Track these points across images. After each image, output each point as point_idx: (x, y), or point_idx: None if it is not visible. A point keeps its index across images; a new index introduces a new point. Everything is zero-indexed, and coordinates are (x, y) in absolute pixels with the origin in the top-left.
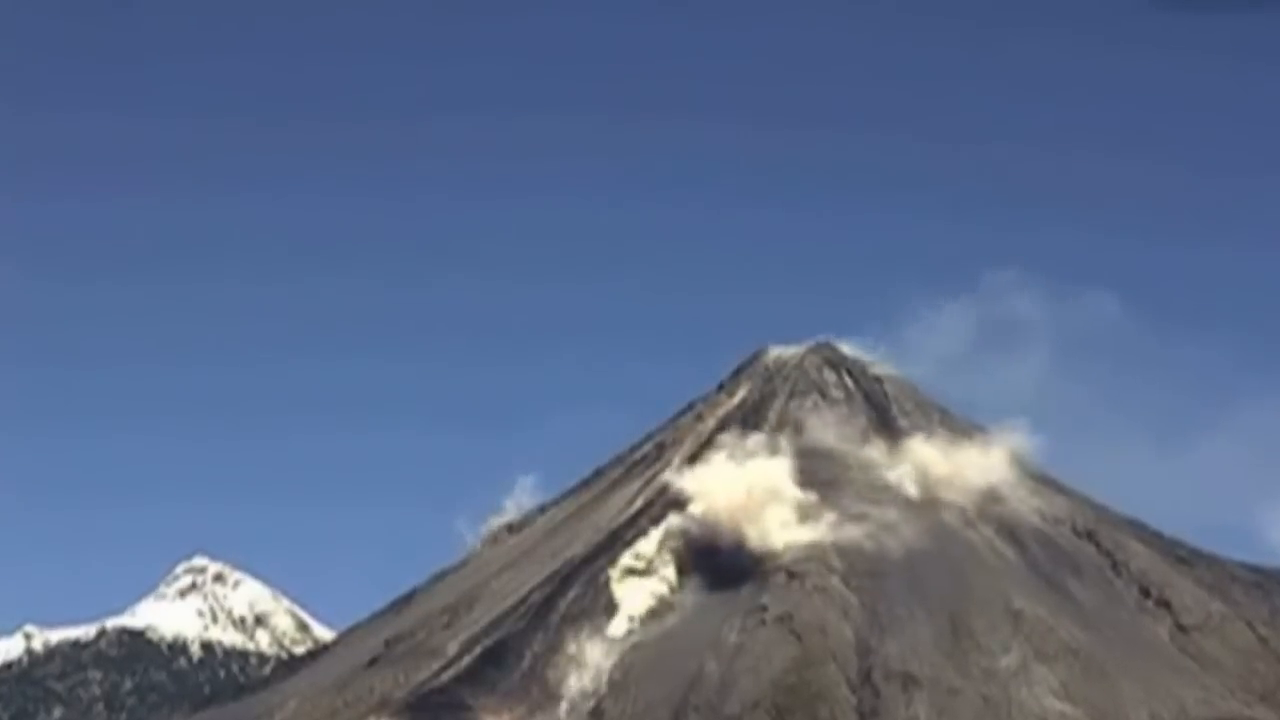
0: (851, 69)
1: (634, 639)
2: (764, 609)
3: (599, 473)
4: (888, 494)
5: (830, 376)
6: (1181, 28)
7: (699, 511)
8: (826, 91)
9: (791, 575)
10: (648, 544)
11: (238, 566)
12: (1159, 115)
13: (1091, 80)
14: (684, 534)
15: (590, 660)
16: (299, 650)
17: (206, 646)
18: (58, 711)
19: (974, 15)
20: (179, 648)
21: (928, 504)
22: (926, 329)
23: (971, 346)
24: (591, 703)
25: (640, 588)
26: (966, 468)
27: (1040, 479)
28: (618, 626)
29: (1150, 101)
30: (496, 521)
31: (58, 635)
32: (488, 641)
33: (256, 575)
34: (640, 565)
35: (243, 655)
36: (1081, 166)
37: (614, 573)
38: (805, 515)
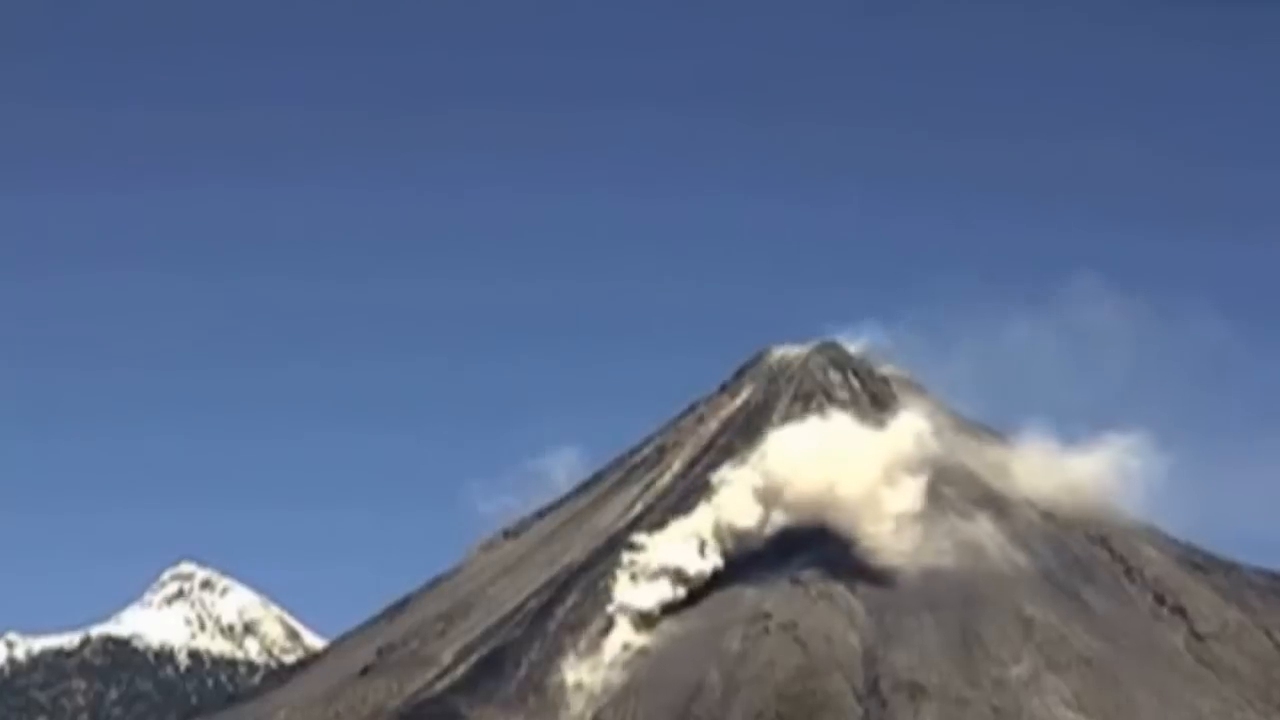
0: (866, 59)
1: (635, 647)
2: (767, 616)
3: (598, 476)
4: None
5: (836, 377)
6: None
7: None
8: (835, 82)
9: (796, 581)
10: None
11: (226, 573)
12: (1237, 115)
13: (1132, 74)
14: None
15: (589, 669)
16: (289, 659)
17: (194, 655)
18: None
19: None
20: (165, 656)
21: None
22: (943, 329)
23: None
24: (591, 713)
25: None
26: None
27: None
28: (617, 635)
29: (1226, 100)
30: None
31: (40, 644)
32: (484, 650)
33: (245, 582)
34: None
35: (231, 664)
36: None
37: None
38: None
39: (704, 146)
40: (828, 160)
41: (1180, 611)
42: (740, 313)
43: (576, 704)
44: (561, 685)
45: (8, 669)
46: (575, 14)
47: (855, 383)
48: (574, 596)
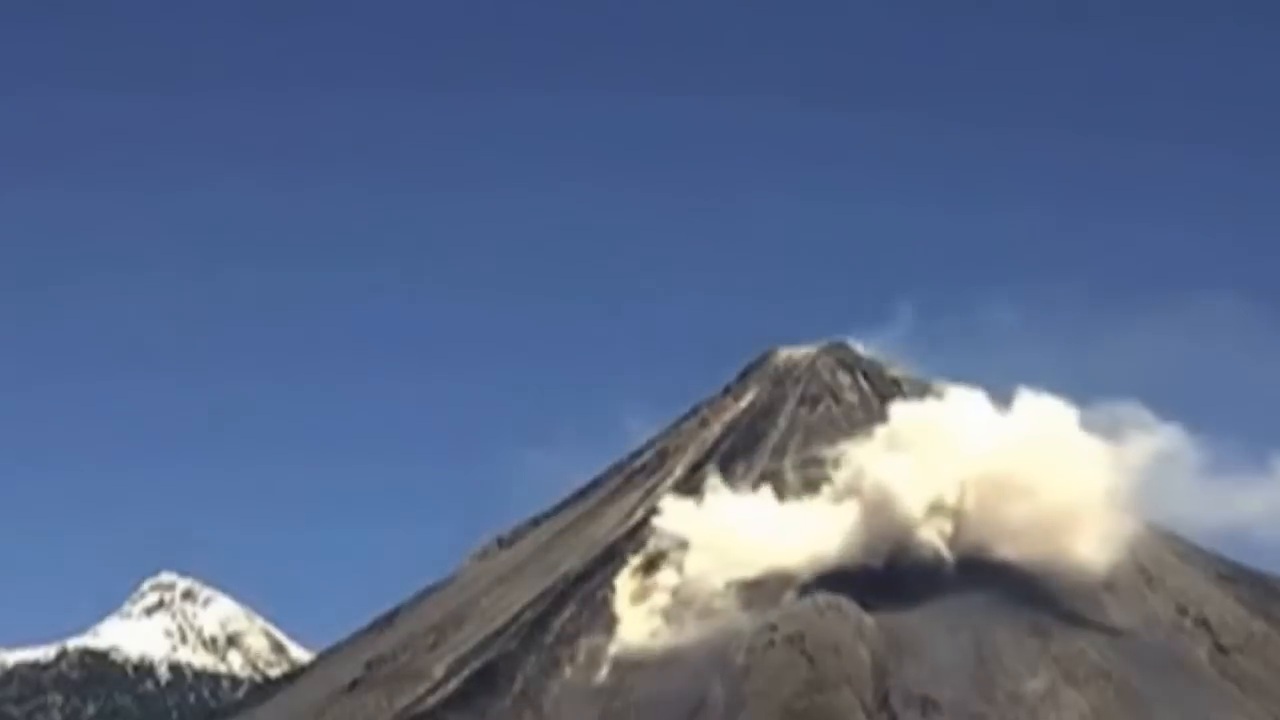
0: (877, 53)
1: (635, 661)
2: (773, 628)
3: (596, 482)
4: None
5: (844, 379)
6: None
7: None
8: (846, 76)
9: (803, 591)
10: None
11: (208, 583)
12: None
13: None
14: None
15: (587, 684)
16: (274, 673)
17: (175, 668)
18: None
19: None
20: (145, 670)
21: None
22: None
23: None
24: None
25: None
26: None
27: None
28: (617, 647)
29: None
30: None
31: (15, 656)
32: (477, 663)
33: (228, 592)
34: None
35: (214, 678)
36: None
37: None
38: None
39: (707, 140)
40: (831, 158)
41: (1204, 623)
42: (745, 312)
43: None
44: (558, 700)
45: None
46: (584, 6)
47: (864, 385)
48: (572, 607)
